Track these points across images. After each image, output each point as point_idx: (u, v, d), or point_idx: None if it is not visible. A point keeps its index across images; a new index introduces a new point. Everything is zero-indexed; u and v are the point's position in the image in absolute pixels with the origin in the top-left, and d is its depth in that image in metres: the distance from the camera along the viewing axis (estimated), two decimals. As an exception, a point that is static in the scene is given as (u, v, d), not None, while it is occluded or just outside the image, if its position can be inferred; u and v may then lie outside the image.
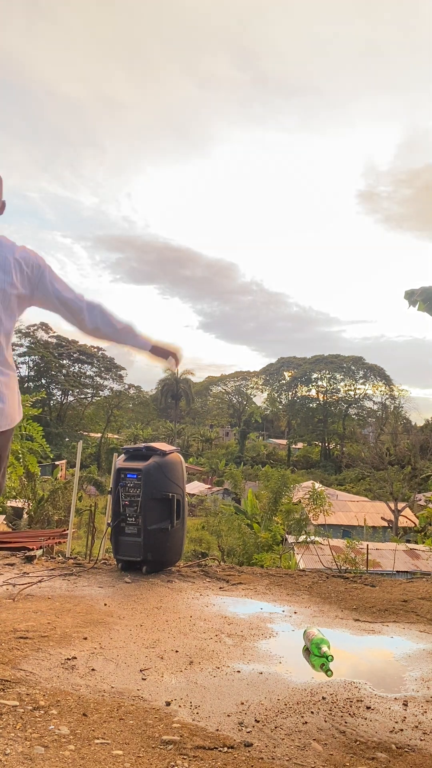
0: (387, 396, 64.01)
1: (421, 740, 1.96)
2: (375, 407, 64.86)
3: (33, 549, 4.81)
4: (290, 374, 72.22)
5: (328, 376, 68.52)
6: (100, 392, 63.97)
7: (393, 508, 28.29)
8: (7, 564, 4.30)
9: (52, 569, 4.22)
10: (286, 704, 2.18)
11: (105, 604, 3.34)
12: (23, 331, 57.71)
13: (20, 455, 11.67)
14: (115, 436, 57.17)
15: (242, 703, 2.16)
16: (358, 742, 1.91)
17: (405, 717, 2.13)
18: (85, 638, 2.71)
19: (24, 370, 59.67)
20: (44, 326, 61.19)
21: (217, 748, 1.77)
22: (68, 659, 2.43)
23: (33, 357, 58.87)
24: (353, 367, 67.85)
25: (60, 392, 61.66)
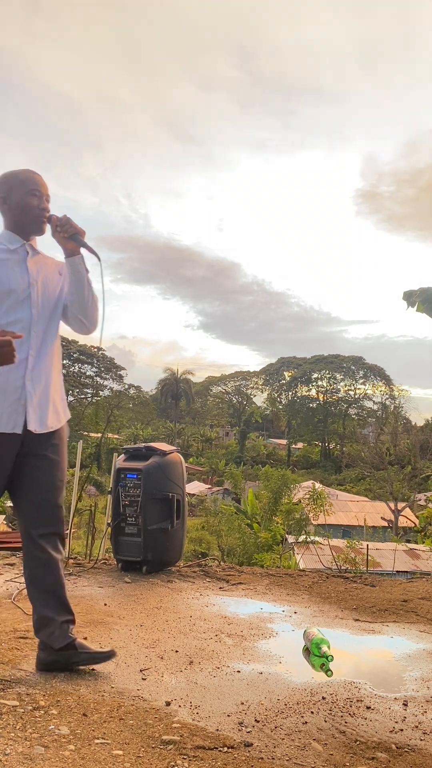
0: (387, 396, 64.00)
1: (421, 740, 1.96)
2: (375, 407, 64.88)
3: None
4: (290, 374, 72.13)
5: (328, 376, 68.45)
6: (100, 392, 63.91)
7: (393, 508, 28.29)
8: (7, 564, 4.30)
9: (52, 569, 4.21)
10: (286, 704, 2.18)
11: (105, 604, 3.34)
12: (23, 331, 57.45)
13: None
14: (115, 436, 57.14)
15: (242, 703, 2.16)
16: (358, 742, 1.91)
17: (405, 717, 2.13)
18: (85, 638, 2.71)
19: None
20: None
21: (217, 748, 1.77)
22: (68, 659, 2.43)
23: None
24: (353, 367, 67.78)
25: (60, 392, 61.52)
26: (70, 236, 2.25)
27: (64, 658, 2.26)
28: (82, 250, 2.29)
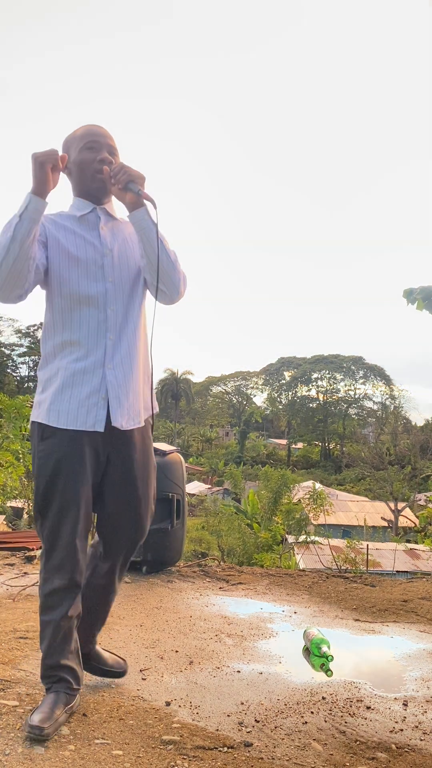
0: (387, 396, 64.04)
1: (421, 740, 1.96)
2: (375, 407, 64.90)
3: (33, 549, 4.81)
4: (290, 374, 72.13)
5: (328, 376, 68.47)
6: (100, 392, 63.68)
7: (393, 508, 28.28)
8: (7, 564, 4.30)
9: (52, 569, 4.21)
10: (286, 704, 2.18)
11: (105, 604, 3.34)
12: (23, 331, 57.58)
13: (20, 455, 11.67)
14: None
15: (242, 703, 2.15)
16: (358, 742, 1.91)
17: (405, 717, 2.13)
18: (85, 638, 2.71)
19: (24, 370, 59.64)
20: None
21: (217, 748, 1.77)
22: (68, 659, 2.43)
23: (33, 357, 58.82)
24: (353, 367, 67.76)
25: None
26: (124, 186, 1.84)
27: None
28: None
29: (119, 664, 2.22)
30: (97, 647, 2.17)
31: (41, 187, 1.71)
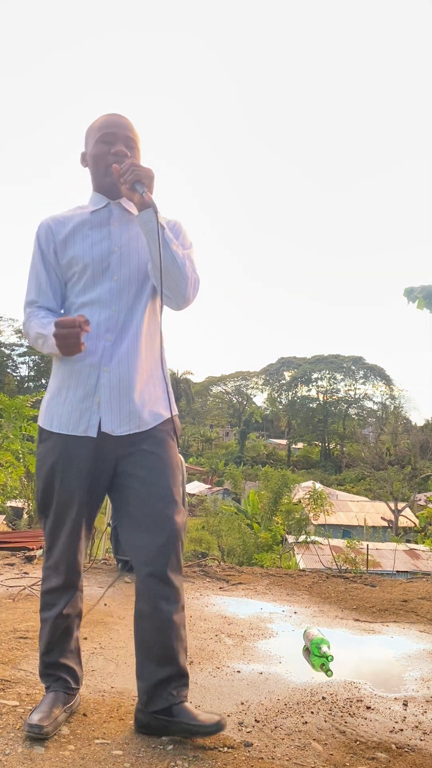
0: (387, 396, 64.08)
1: (421, 740, 1.96)
2: (375, 407, 64.92)
3: (33, 549, 4.81)
4: (290, 374, 72.13)
5: (328, 376, 68.48)
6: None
7: (393, 508, 28.30)
8: (7, 564, 4.30)
9: (52, 569, 4.20)
10: (286, 704, 2.18)
11: (105, 604, 3.34)
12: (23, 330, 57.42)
13: (20, 455, 11.67)
14: (115, 436, 56.95)
15: (242, 703, 2.15)
16: (358, 742, 1.91)
17: (405, 717, 2.13)
18: (85, 638, 2.71)
19: (24, 370, 59.62)
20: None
21: (217, 748, 1.77)
22: (68, 659, 2.42)
23: (33, 357, 58.84)
24: (353, 367, 67.78)
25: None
26: (131, 186, 1.77)
27: (157, 723, 1.77)
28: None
29: (212, 719, 1.76)
30: (186, 704, 1.78)
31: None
